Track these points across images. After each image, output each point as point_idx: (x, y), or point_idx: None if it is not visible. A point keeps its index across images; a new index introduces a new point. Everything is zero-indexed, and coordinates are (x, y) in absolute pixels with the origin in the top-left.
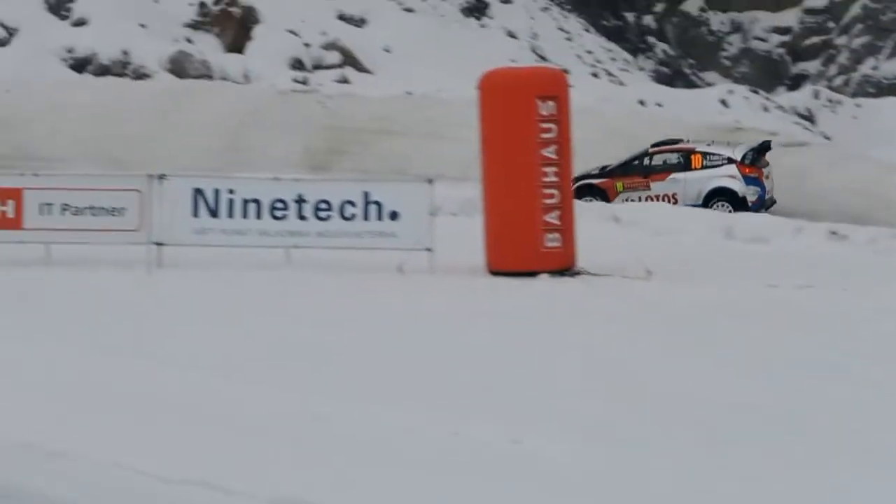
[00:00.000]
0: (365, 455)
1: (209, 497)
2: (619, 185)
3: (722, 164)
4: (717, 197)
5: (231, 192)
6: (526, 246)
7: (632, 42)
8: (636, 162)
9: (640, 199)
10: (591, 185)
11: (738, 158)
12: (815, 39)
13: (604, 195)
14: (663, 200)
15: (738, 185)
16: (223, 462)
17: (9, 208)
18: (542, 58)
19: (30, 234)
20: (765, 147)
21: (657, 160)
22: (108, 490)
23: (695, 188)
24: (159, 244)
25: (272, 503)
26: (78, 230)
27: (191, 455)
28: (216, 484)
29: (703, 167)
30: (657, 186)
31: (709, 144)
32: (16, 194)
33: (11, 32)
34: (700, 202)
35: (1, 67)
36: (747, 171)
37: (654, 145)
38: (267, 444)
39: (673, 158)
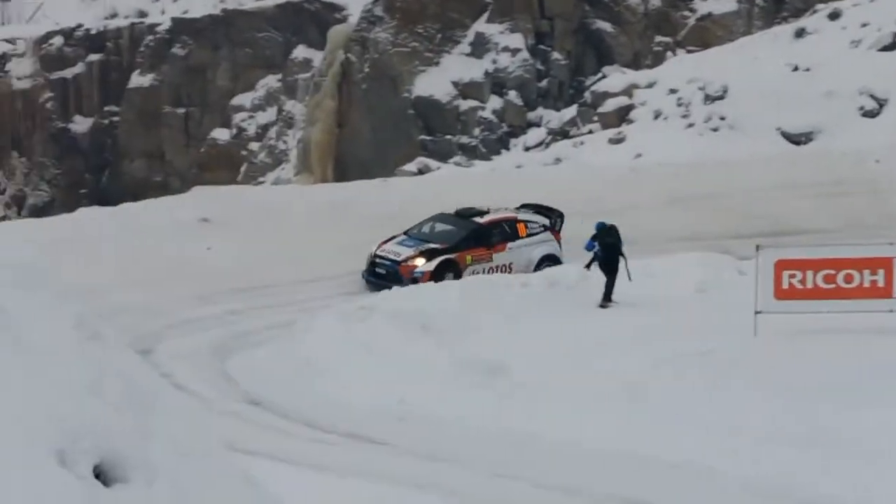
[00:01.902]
0: None
1: None
2: (468, 258)
3: (540, 232)
4: (546, 263)
5: None
6: None
7: None
8: (469, 233)
9: (483, 272)
10: (448, 261)
11: (551, 225)
12: None
13: (457, 269)
14: (501, 271)
15: (558, 251)
16: None
17: (878, 277)
18: None
19: None
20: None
21: (501, 229)
22: None
23: (525, 256)
24: None
25: None
26: None
27: None
28: None
29: (528, 235)
30: (498, 257)
31: (517, 211)
32: (886, 263)
33: (882, 103)
34: (532, 269)
35: (872, 136)
36: (556, 236)
37: (461, 213)
38: None
39: (506, 228)
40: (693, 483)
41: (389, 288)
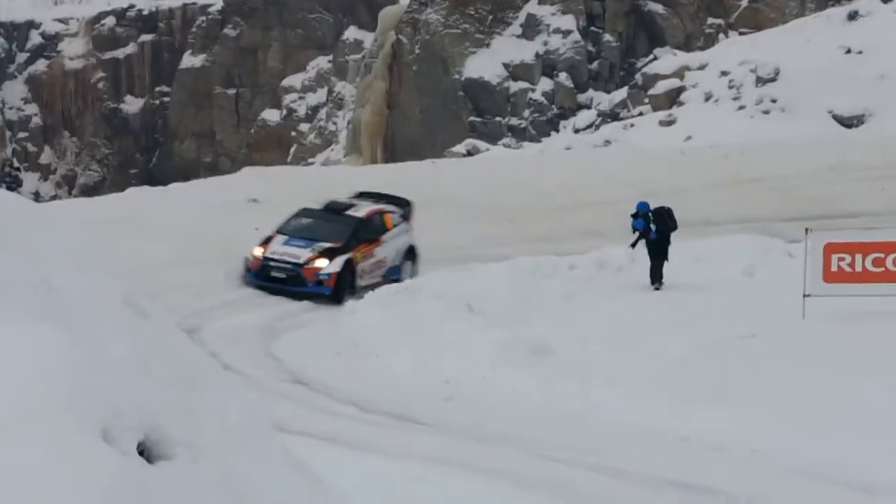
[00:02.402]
0: None
1: None
2: (358, 255)
3: (401, 223)
4: (408, 256)
5: None
6: None
7: None
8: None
9: (369, 269)
10: (349, 260)
11: (405, 215)
12: None
13: (353, 268)
14: (379, 267)
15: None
16: None
17: None
18: None
19: None
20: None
21: (375, 222)
22: None
23: (394, 249)
24: None
25: None
26: None
27: None
28: None
29: (394, 226)
30: (377, 252)
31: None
32: None
33: None
34: (399, 262)
35: None
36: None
37: (333, 208)
38: None
39: (378, 221)
40: (737, 466)
41: (291, 293)
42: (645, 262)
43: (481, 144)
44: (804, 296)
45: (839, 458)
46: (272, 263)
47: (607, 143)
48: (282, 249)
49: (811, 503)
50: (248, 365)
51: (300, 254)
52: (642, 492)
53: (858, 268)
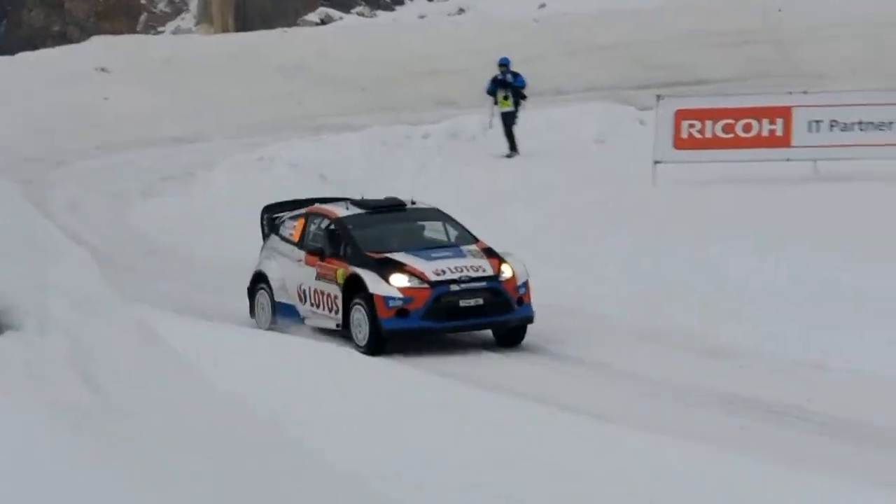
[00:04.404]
0: None
1: None
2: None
3: None
4: None
5: None
6: None
7: None
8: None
9: None
10: None
11: None
12: None
13: None
14: None
15: None
16: None
17: (777, 126)
18: None
19: (798, 152)
20: None
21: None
22: None
23: None
24: None
25: None
26: (846, 146)
27: None
28: None
29: None
30: None
31: None
32: (785, 112)
33: None
34: None
35: None
36: None
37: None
38: None
39: None
40: (569, 323)
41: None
42: (499, 130)
43: (334, 13)
44: (654, 162)
45: (684, 325)
46: (457, 287)
47: (461, 11)
48: (441, 264)
49: (658, 365)
50: (99, 236)
51: (475, 263)
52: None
53: (708, 134)
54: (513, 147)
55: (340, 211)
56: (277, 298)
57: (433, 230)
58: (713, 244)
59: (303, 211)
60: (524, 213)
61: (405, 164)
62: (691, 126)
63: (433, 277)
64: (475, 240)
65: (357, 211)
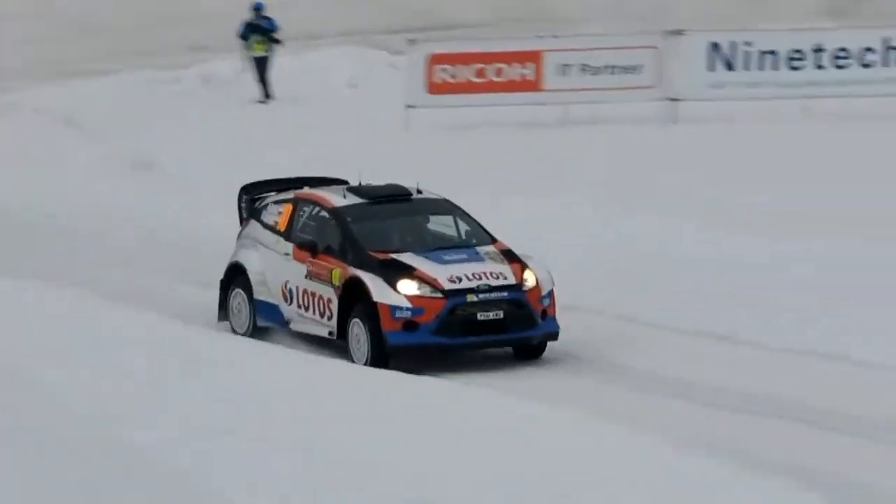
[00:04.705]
0: None
1: None
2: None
3: None
4: None
5: (748, 44)
6: None
7: None
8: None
9: None
10: None
11: None
12: None
13: None
14: None
15: None
16: None
17: (528, 70)
18: None
19: (549, 96)
20: None
21: None
22: None
23: None
24: (674, 100)
25: None
26: (595, 89)
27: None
28: None
29: None
30: None
31: None
32: (536, 57)
33: None
34: None
35: None
36: None
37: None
38: None
39: None
40: None
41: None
42: (252, 76)
43: None
44: (407, 107)
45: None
46: (475, 297)
47: None
48: (456, 269)
49: None
50: None
51: (495, 268)
52: None
53: (461, 78)
54: (266, 93)
55: (336, 199)
56: (257, 296)
57: (443, 225)
58: (469, 186)
59: (291, 195)
60: (278, 157)
61: (157, 110)
62: (444, 70)
63: (447, 285)
64: (493, 239)
65: (356, 200)
